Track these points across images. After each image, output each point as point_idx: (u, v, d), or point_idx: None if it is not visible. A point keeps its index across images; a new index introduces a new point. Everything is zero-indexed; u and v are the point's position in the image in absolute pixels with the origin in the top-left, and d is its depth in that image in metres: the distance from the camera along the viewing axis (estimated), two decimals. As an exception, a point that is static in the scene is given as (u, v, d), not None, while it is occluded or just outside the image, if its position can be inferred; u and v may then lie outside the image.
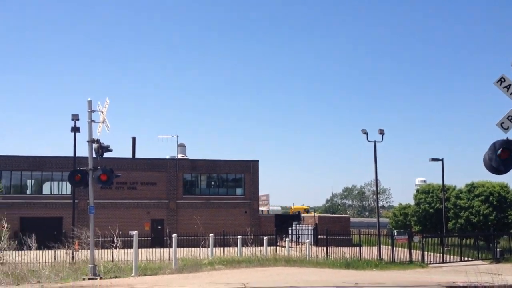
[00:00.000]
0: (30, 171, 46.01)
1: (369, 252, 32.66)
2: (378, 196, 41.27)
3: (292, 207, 78.18)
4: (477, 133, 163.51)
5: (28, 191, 46.72)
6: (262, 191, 52.35)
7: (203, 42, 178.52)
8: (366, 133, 33.99)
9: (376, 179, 35.90)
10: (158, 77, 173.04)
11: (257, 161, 50.76)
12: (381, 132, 33.87)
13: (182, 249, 25.90)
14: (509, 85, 9.11)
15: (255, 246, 26.38)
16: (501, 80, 9.14)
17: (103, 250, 23.12)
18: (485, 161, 9.19)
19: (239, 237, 26.54)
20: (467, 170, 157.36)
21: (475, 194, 41.63)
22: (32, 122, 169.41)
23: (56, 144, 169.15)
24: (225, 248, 30.35)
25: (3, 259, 19.85)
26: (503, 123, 9.00)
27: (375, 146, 34.18)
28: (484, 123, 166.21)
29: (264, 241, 27.32)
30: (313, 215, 56.17)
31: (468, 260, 32.82)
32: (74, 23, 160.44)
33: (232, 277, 16.35)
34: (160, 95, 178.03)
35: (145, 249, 27.81)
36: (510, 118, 8.97)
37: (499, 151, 8.67)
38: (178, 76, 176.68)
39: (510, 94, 9.09)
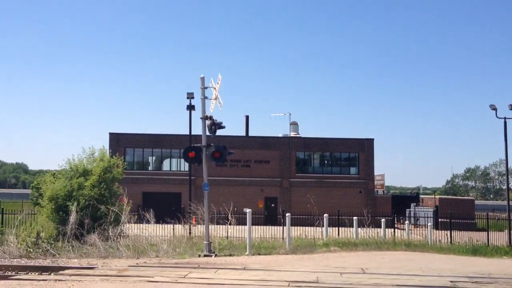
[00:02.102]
0: (151, 148, 48.22)
1: (497, 238, 30.21)
2: (508, 177, 37.82)
3: None
4: None
5: (150, 167, 49.07)
6: (377, 171, 50.45)
7: (317, 20, 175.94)
8: (495, 109, 31.10)
9: (506, 159, 32.71)
10: (271, 56, 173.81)
11: (372, 139, 48.94)
12: (513, 108, 30.91)
13: (295, 228, 25.43)
14: None
15: (372, 227, 25.19)
16: None
17: (218, 226, 23.32)
18: None
19: (354, 218, 25.46)
20: None
21: None
22: (153, 101, 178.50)
23: (176, 122, 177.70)
24: (340, 228, 29.47)
25: (125, 232, 20.64)
26: None
27: (505, 122, 31.23)
28: None
29: (382, 223, 26.00)
30: (433, 196, 53.18)
31: None
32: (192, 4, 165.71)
33: (349, 260, 15.51)
34: (273, 74, 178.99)
35: (259, 227, 27.74)
36: None
37: None
38: (290, 55, 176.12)
39: None
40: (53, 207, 20.70)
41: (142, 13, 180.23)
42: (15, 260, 15.61)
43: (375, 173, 49.94)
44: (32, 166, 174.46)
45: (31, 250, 17.08)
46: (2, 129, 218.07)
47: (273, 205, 46.17)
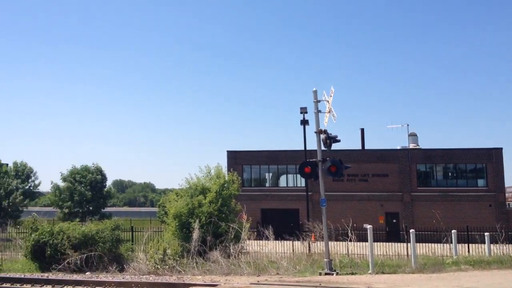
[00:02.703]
0: (267, 165, 48.77)
1: None
2: None
3: None
4: None
5: (267, 184, 49.59)
6: (508, 182, 46.66)
7: (434, 25, 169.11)
8: None
9: None
10: (385, 67, 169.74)
11: (501, 148, 45.34)
12: None
13: (420, 244, 24.10)
14: None
15: (506, 244, 23.13)
16: None
17: (337, 243, 22.80)
18: None
19: (486, 233, 23.56)
20: None
21: None
22: (268, 118, 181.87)
23: (291, 137, 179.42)
24: (470, 245, 27.45)
25: (246, 249, 20.89)
26: None
27: None
28: None
29: (518, 239, 23.78)
30: None
31: None
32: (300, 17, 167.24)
33: (482, 280, 14.27)
34: (388, 85, 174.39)
35: (380, 243, 26.69)
36: None
37: None
38: (405, 64, 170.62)
39: None
40: (177, 224, 21.59)
41: (253, 30, 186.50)
42: (144, 276, 16.36)
43: (506, 185, 46.16)
44: (158, 185, 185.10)
45: (159, 266, 17.84)
46: (133, 152, 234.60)
47: (394, 220, 44.40)
